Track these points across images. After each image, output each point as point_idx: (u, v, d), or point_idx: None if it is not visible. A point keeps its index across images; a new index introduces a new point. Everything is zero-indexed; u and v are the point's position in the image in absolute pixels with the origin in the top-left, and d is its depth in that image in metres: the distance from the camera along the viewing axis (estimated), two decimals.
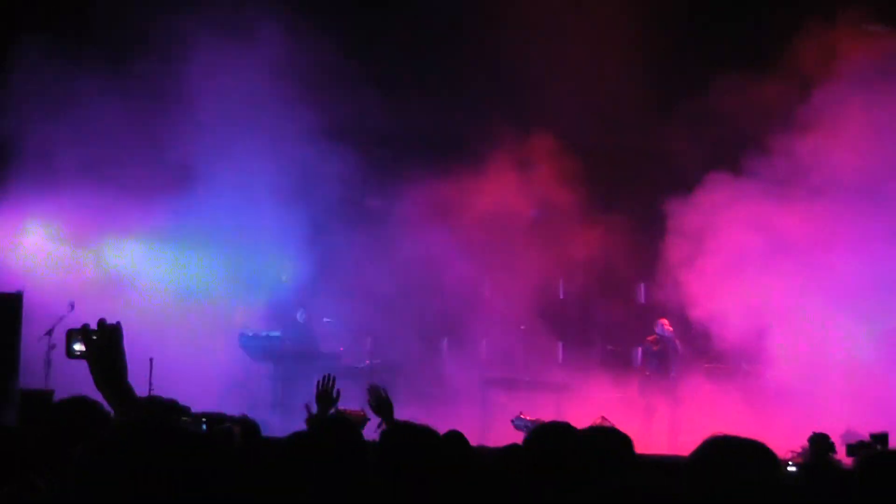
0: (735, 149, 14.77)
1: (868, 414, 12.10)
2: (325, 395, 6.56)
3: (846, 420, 11.73)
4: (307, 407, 6.68)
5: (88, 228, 14.45)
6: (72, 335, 3.14)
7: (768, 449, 3.09)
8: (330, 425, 4.34)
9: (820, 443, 8.58)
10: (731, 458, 3.06)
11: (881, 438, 9.41)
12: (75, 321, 3.15)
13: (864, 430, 10.43)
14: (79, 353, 3.11)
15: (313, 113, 14.49)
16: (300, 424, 7.03)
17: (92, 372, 3.09)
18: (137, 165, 14.30)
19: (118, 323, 3.14)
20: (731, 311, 14.35)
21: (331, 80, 14.58)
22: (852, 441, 9.75)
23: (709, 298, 14.45)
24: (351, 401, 12.79)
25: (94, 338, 3.10)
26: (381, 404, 6.32)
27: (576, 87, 14.60)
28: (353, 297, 15.02)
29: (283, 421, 12.74)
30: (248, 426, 7.17)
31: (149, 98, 14.14)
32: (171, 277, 14.93)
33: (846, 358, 13.90)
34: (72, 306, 12.70)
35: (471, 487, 4.35)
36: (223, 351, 14.23)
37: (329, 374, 6.78)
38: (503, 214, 15.58)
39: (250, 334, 14.42)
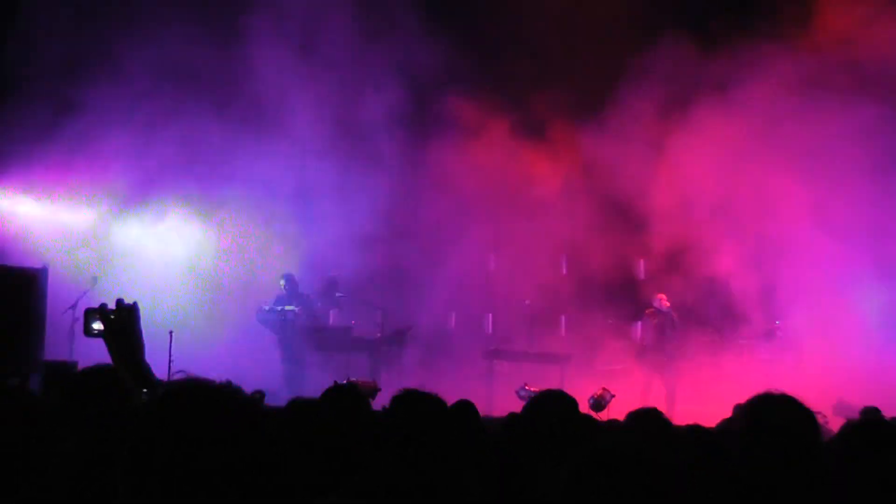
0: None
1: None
2: None
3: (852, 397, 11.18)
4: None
5: (116, 199, 14.29)
6: (90, 314, 3.16)
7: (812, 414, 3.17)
8: (338, 393, 4.29)
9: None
10: (780, 416, 3.14)
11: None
12: (98, 294, 3.09)
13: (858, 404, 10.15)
14: (97, 332, 3.13)
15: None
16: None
17: (109, 351, 3.10)
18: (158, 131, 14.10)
19: (135, 303, 3.14)
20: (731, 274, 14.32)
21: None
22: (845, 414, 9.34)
23: (707, 265, 14.46)
24: (362, 371, 12.97)
25: (112, 317, 3.10)
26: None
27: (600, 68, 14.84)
28: (365, 268, 14.81)
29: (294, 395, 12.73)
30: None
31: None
32: (194, 250, 14.88)
33: (855, 328, 13.60)
34: (95, 280, 12.64)
35: (478, 455, 4.27)
36: (242, 325, 14.07)
37: None
38: (510, 188, 15.50)
39: (267, 308, 14.14)
